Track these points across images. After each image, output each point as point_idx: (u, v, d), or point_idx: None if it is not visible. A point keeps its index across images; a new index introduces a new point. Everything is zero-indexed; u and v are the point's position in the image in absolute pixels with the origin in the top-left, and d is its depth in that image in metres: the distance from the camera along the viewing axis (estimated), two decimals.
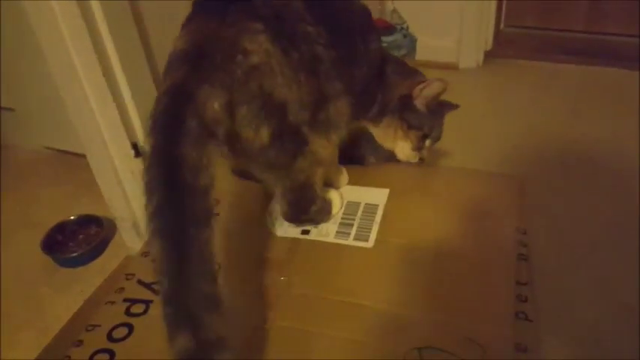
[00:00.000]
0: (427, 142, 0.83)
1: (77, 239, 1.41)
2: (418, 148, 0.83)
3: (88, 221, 1.44)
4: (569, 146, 1.48)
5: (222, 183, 0.91)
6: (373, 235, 0.75)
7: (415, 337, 0.60)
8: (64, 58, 1.02)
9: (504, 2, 1.97)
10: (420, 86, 0.80)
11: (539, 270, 1.04)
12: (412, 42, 1.71)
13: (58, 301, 1.22)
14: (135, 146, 1.09)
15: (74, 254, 1.35)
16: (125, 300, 0.71)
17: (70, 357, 0.65)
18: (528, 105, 1.76)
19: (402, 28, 1.68)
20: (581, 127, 1.59)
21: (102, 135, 1.10)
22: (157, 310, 0.68)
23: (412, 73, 0.85)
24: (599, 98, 1.74)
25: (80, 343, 0.66)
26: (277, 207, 0.81)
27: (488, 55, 1.99)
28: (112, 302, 0.72)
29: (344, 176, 0.85)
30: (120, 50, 1.04)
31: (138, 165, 1.10)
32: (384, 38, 1.41)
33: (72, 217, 1.44)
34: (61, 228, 1.42)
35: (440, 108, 0.84)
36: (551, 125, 1.64)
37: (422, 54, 1.87)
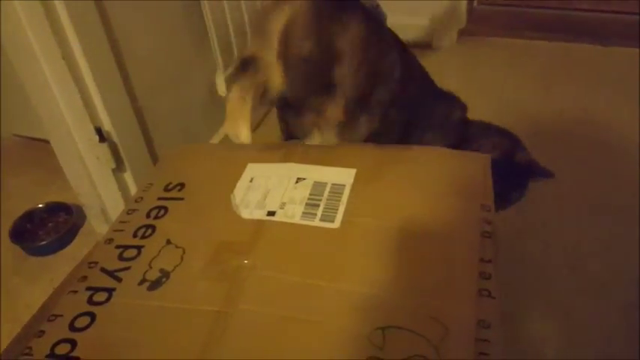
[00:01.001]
0: None
1: (46, 227, 1.40)
2: None
3: (57, 209, 1.42)
4: (543, 122, 1.49)
5: (188, 167, 0.90)
6: (340, 216, 0.74)
7: (378, 317, 0.60)
8: (22, 41, 0.98)
9: None
10: None
11: (512, 249, 1.06)
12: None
13: (28, 291, 1.20)
14: (99, 131, 1.07)
15: (43, 242, 1.33)
16: (88, 289, 0.70)
17: (31, 348, 0.63)
18: (502, 82, 1.76)
19: (373, 6, 1.66)
20: (555, 102, 1.60)
21: (65, 120, 1.08)
22: (119, 298, 0.67)
23: None
24: (572, 74, 1.76)
25: (42, 333, 0.65)
26: (243, 189, 0.80)
27: (463, 34, 1.99)
28: (75, 291, 0.70)
29: None
30: (80, 32, 1.01)
31: (103, 150, 1.08)
32: None
33: (40, 205, 1.42)
34: (30, 216, 1.40)
35: None
36: (525, 101, 1.65)
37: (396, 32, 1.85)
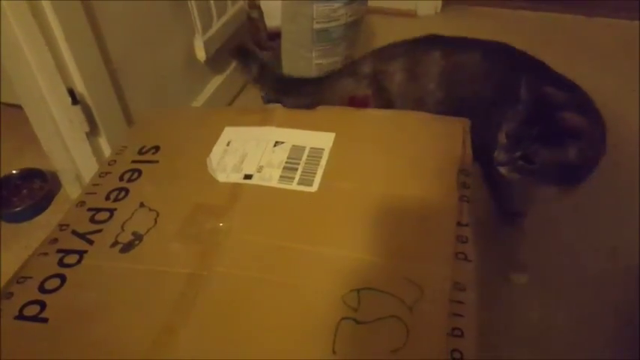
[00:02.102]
0: None
1: (21, 194, 1.36)
2: None
3: (32, 175, 1.38)
4: None
5: (163, 130, 0.87)
6: (318, 180, 0.73)
7: (354, 279, 0.59)
8: None
9: None
10: None
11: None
12: None
13: (2, 257, 1.18)
14: (72, 93, 1.03)
15: (18, 209, 1.30)
16: (59, 251, 0.68)
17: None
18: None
19: None
20: None
21: (37, 81, 1.04)
22: (90, 261, 0.66)
23: None
24: (556, 44, 1.75)
25: (10, 295, 0.63)
26: (219, 152, 0.78)
27: (447, 2, 1.96)
28: (45, 254, 0.68)
29: None
30: None
31: (76, 113, 1.05)
32: None
33: (14, 172, 1.39)
34: (4, 183, 1.36)
35: None
36: None
37: (379, 1, 1.82)
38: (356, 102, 1.49)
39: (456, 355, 0.53)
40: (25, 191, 1.36)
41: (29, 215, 1.30)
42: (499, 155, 0.80)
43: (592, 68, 1.54)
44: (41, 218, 1.32)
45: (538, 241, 1.11)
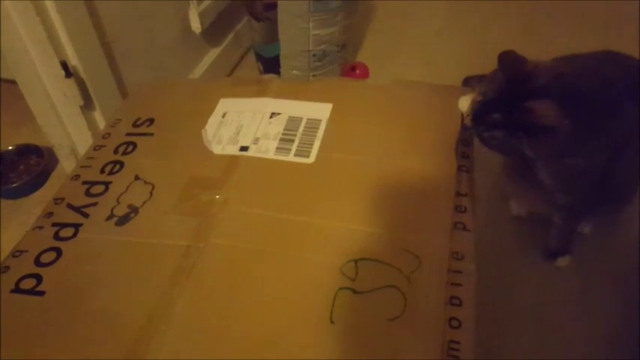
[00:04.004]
0: None
1: (17, 170, 1.36)
2: None
3: (28, 151, 1.37)
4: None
5: (158, 102, 0.86)
6: (315, 151, 0.72)
7: (352, 250, 0.59)
8: None
9: None
10: None
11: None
12: None
13: (1, 234, 1.18)
14: (64, 65, 1.01)
15: (14, 185, 1.30)
16: (54, 224, 0.68)
17: None
18: (482, 24, 1.73)
19: None
20: (535, 44, 1.57)
21: (29, 55, 1.02)
22: (86, 234, 0.65)
23: None
24: (553, 16, 1.72)
25: (6, 269, 0.63)
26: (215, 124, 0.77)
27: None
28: (40, 227, 0.68)
29: None
30: None
31: (70, 86, 1.03)
32: None
33: (10, 147, 1.37)
34: (1, 159, 1.35)
35: None
36: (505, 44, 1.61)
37: None
38: (354, 73, 1.47)
39: (454, 323, 0.52)
40: (21, 167, 1.35)
41: (27, 191, 1.30)
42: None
43: (590, 39, 1.53)
44: (39, 194, 1.31)
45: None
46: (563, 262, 1.05)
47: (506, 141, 0.76)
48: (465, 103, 0.75)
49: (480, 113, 0.75)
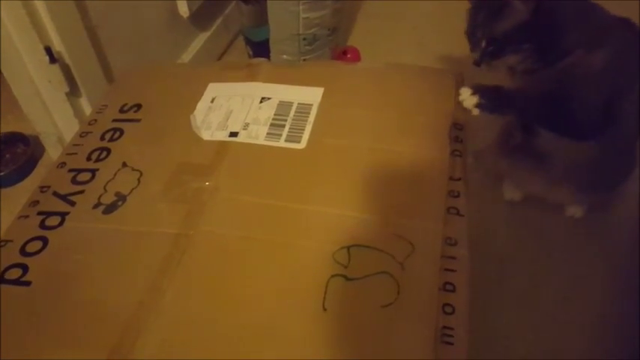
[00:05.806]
0: None
1: (3, 158, 1.33)
2: None
3: (14, 139, 1.35)
4: None
5: (145, 87, 0.84)
6: (306, 136, 0.71)
7: (344, 236, 0.58)
8: None
9: None
10: None
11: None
12: None
13: None
14: (49, 51, 0.99)
15: (1, 174, 1.28)
16: (40, 213, 0.66)
17: None
18: None
19: None
20: None
21: (12, 40, 1.00)
22: (73, 222, 0.64)
23: None
24: None
25: None
26: (204, 109, 0.76)
27: None
28: (26, 216, 0.66)
29: None
30: None
31: (55, 72, 1.01)
32: None
33: None
34: None
35: None
36: None
37: None
38: (345, 57, 1.45)
39: (448, 309, 0.52)
40: (7, 156, 1.33)
41: (13, 180, 1.28)
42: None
43: None
44: (25, 183, 1.29)
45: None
46: (575, 211, 1.05)
47: (515, 50, 0.85)
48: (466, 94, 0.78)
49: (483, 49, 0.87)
